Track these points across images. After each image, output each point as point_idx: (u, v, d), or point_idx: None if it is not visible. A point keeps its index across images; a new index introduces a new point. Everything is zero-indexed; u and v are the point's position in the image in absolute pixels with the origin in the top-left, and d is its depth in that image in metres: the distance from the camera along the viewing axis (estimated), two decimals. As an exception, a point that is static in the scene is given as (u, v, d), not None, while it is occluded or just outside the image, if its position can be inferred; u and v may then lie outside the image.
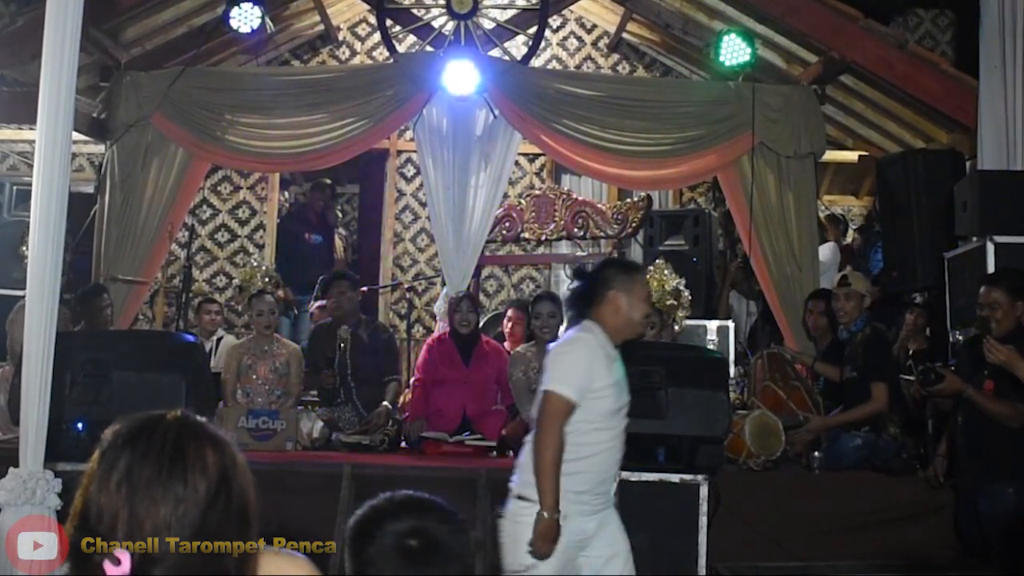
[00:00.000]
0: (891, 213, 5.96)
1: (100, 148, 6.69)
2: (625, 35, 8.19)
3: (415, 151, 6.87)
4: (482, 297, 7.83)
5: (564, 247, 7.26)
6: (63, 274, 3.23)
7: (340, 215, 9.07)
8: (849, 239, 7.52)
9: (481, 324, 6.14)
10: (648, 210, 6.72)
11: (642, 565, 3.07)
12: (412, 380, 5.68)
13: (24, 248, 4.77)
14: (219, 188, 8.29)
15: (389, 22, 6.47)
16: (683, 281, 6.01)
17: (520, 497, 2.87)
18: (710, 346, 6.10)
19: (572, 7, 7.71)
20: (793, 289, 5.99)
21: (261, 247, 8.22)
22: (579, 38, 8.57)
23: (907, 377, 5.00)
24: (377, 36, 7.75)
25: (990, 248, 4.64)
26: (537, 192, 6.96)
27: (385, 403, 5.40)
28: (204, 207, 8.24)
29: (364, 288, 6.56)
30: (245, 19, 5.99)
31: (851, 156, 7.57)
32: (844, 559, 4.09)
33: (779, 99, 6.14)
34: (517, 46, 6.92)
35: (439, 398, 5.34)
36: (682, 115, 6.26)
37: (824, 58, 6.12)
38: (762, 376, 5.28)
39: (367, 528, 1.55)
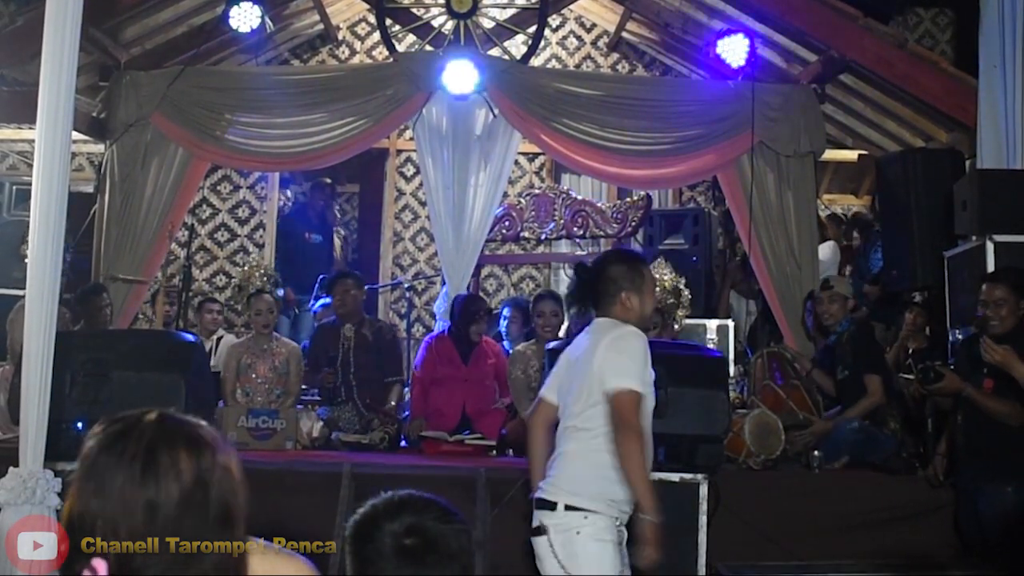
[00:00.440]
0: (891, 212, 5.96)
1: (100, 148, 6.69)
2: (625, 34, 8.19)
3: (415, 150, 6.87)
4: (482, 296, 7.83)
5: (564, 246, 7.26)
6: (63, 274, 3.24)
7: (339, 214, 9.07)
8: (851, 240, 7.51)
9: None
10: (648, 209, 6.71)
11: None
12: (411, 378, 5.70)
13: (24, 247, 4.78)
14: (219, 187, 8.29)
15: (388, 21, 6.47)
16: (683, 280, 6.02)
17: (571, 507, 2.74)
18: (710, 345, 6.10)
19: (571, 6, 7.71)
20: (792, 288, 6.00)
21: (261, 246, 8.22)
22: (579, 37, 8.57)
23: (907, 376, 5.01)
24: (377, 35, 7.74)
25: (990, 247, 4.63)
26: (537, 191, 6.96)
27: (392, 403, 5.43)
28: (204, 206, 8.23)
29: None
30: (245, 18, 5.99)
31: (851, 155, 7.57)
32: (844, 558, 4.08)
33: (779, 98, 6.13)
34: (517, 45, 6.92)
35: (438, 397, 5.35)
36: (681, 114, 6.26)
37: (824, 57, 6.12)
38: (762, 375, 5.29)
39: (366, 527, 1.55)
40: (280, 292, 6.13)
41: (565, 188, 7.14)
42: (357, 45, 8.46)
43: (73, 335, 4.65)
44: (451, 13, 6.21)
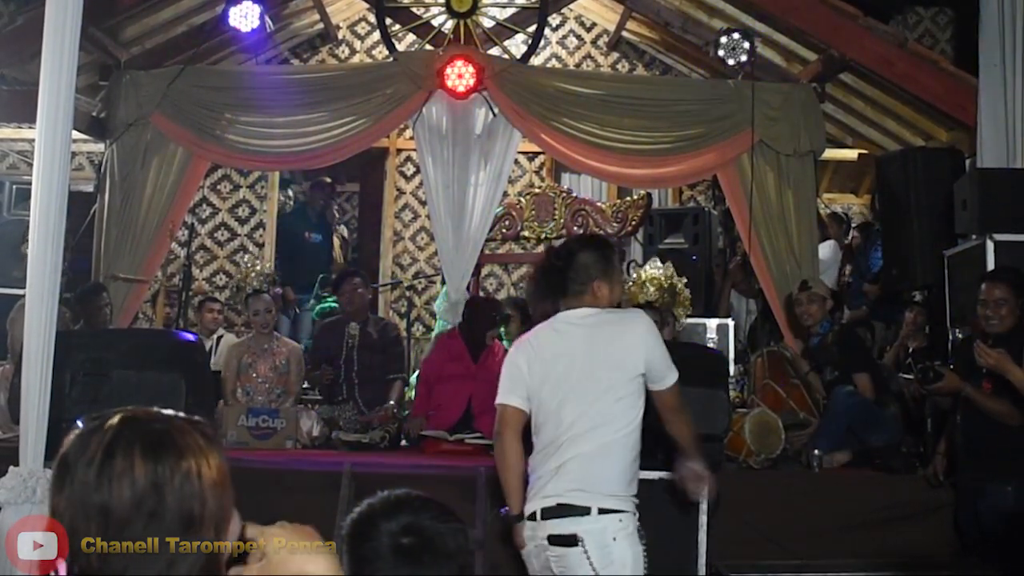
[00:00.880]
0: (891, 211, 5.96)
1: (100, 147, 6.68)
2: (624, 33, 8.19)
3: (415, 149, 6.86)
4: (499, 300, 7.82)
5: (564, 246, 7.24)
6: (63, 274, 3.24)
7: (338, 214, 9.07)
8: (849, 238, 7.52)
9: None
10: (648, 208, 6.71)
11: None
12: (416, 375, 5.70)
13: (24, 247, 4.78)
14: (219, 187, 8.29)
15: (388, 20, 6.46)
16: (683, 279, 6.02)
17: (604, 510, 2.65)
18: (710, 344, 6.10)
19: (571, 5, 7.70)
20: (793, 287, 5.98)
21: (261, 246, 8.23)
22: (579, 36, 8.57)
23: (907, 376, 5.01)
24: (376, 35, 7.74)
25: (990, 246, 4.63)
26: (537, 190, 6.95)
27: (391, 402, 5.41)
28: (204, 206, 8.24)
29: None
30: (245, 18, 5.99)
31: (851, 154, 7.57)
32: (844, 557, 4.08)
33: (779, 97, 6.13)
34: (516, 44, 6.91)
35: (443, 393, 5.33)
36: (681, 113, 6.26)
37: (824, 56, 6.12)
38: (762, 374, 5.29)
39: (363, 526, 1.55)
40: (279, 291, 6.13)
41: (565, 187, 7.15)
42: (357, 44, 8.46)
43: (73, 335, 4.65)
44: (451, 12, 6.21)
